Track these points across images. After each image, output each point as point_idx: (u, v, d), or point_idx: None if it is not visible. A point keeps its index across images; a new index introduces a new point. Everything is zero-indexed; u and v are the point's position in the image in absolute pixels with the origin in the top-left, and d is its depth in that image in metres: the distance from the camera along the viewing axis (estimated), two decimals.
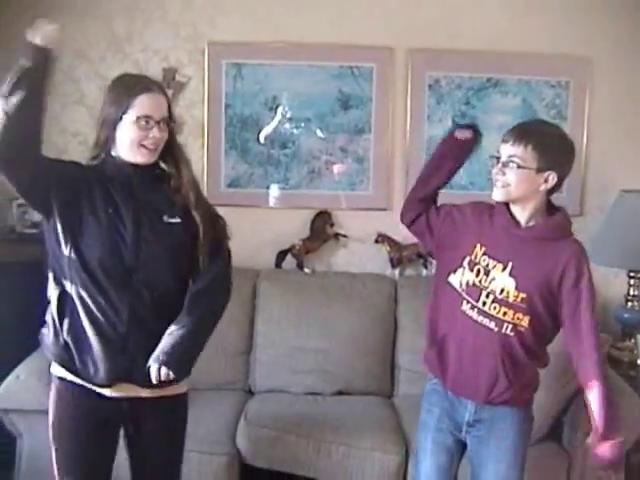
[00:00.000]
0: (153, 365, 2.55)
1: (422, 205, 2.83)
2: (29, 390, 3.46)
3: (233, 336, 4.09)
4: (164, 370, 2.55)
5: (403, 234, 4.37)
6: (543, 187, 2.60)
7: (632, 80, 4.48)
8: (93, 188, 2.58)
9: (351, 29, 4.37)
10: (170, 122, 2.65)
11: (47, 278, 2.67)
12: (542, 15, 4.39)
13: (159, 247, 2.62)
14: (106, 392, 2.64)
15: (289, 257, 4.43)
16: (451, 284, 2.73)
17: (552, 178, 2.58)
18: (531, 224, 2.66)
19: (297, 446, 3.57)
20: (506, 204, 2.69)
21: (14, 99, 2.28)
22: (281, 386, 4.06)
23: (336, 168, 4.48)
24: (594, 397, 2.57)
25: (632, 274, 4.26)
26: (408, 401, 3.88)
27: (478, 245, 2.68)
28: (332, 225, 4.46)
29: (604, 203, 4.43)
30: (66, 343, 2.61)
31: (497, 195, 2.65)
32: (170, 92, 4.26)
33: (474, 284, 2.66)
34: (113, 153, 2.62)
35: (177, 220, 2.64)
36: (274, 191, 4.49)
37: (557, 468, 3.55)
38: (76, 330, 2.60)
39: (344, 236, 4.49)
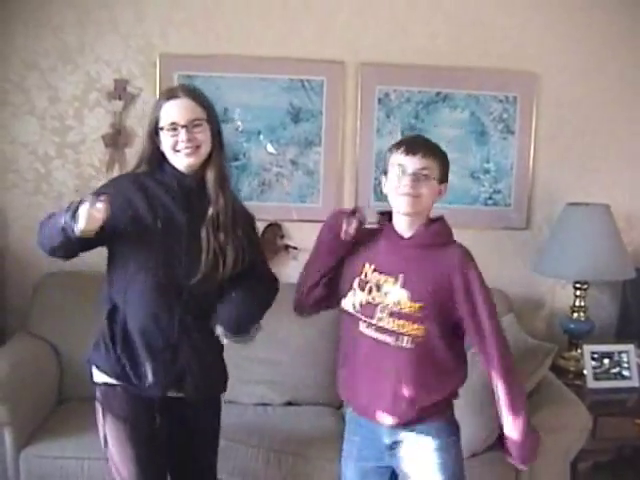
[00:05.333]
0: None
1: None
2: None
3: None
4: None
5: None
6: (438, 198, 2.65)
7: (578, 95, 4.56)
8: (135, 203, 2.65)
9: (302, 42, 4.39)
10: (204, 122, 2.67)
11: None
12: (490, 31, 4.46)
13: None
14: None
15: None
16: (344, 309, 2.73)
17: (444, 188, 2.65)
18: (411, 234, 2.65)
19: (247, 456, 3.58)
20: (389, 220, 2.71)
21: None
22: (231, 397, 4.00)
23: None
24: (501, 405, 2.63)
25: (578, 285, 4.32)
26: None
27: (367, 264, 2.67)
28: (282, 237, 4.47)
29: (550, 216, 4.52)
30: (119, 357, 2.67)
31: (409, 207, 2.59)
32: (121, 104, 4.28)
33: (368, 302, 2.63)
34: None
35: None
36: None
37: (506, 475, 3.56)
38: (128, 344, 2.67)
39: (294, 248, 4.49)
